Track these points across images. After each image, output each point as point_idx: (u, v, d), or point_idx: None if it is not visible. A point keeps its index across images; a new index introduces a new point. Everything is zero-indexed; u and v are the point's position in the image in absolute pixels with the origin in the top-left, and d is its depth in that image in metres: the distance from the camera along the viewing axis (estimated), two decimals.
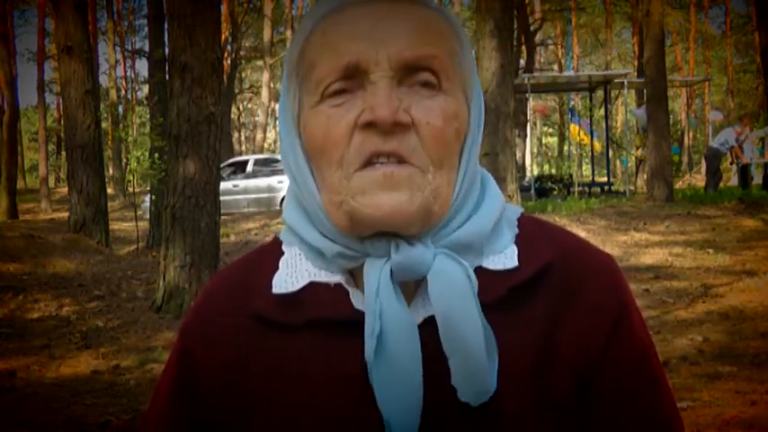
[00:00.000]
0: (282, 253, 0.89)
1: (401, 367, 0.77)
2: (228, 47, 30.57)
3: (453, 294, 0.77)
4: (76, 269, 9.36)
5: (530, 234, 0.87)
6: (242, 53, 33.37)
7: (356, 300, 0.82)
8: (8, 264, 9.14)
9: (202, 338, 0.87)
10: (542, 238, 0.87)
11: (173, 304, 7.39)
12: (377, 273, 0.79)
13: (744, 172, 17.42)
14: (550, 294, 0.83)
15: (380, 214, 0.77)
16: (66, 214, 13.19)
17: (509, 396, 0.79)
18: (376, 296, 0.78)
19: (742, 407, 4.25)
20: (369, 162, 0.77)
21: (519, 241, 0.86)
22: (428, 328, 0.79)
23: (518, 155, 17.82)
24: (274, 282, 0.85)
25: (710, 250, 9.63)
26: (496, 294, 0.81)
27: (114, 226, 14.59)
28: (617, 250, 9.82)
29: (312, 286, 0.84)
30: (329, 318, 0.82)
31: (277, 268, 0.87)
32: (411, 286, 0.82)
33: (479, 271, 0.82)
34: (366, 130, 0.77)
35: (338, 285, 0.83)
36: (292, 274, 0.85)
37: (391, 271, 0.79)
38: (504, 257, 0.84)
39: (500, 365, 0.79)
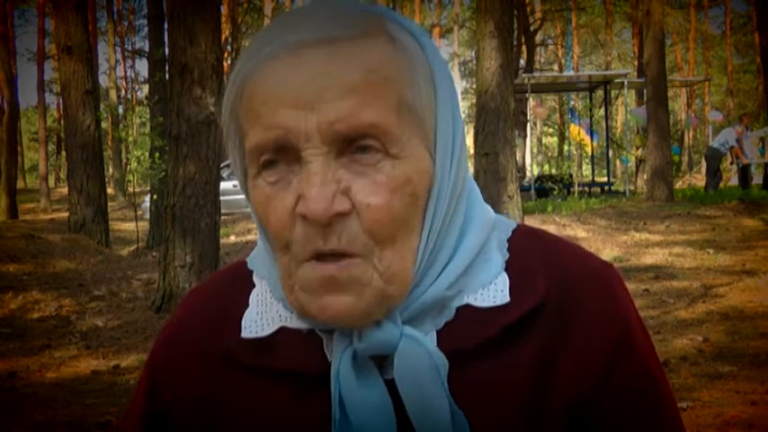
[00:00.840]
0: (254, 284, 0.84)
1: None
2: (228, 47, 30.57)
3: (418, 379, 0.72)
4: (76, 269, 9.36)
5: (523, 257, 0.80)
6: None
7: (329, 350, 0.77)
8: (8, 264, 9.14)
9: (171, 376, 0.84)
10: (536, 262, 0.80)
11: (173, 304, 7.38)
12: (338, 358, 0.74)
13: (744, 172, 17.43)
14: (545, 328, 0.77)
15: (327, 317, 0.71)
16: (66, 214, 13.20)
17: None
18: (336, 380, 0.73)
19: (742, 407, 4.25)
20: (313, 257, 0.71)
21: (511, 267, 0.79)
22: None
23: (518, 155, 17.82)
24: (244, 323, 0.80)
25: (711, 250, 9.63)
26: (483, 337, 0.76)
27: (114, 226, 14.60)
28: (617, 250, 9.82)
29: (283, 332, 0.79)
30: (299, 370, 0.77)
31: (248, 303, 0.82)
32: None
33: (466, 310, 0.77)
34: (305, 221, 0.70)
35: (311, 332, 0.78)
36: (263, 315, 0.80)
37: (356, 351, 0.74)
38: (495, 289, 0.77)
39: (490, 413, 0.75)
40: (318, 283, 0.71)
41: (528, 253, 0.81)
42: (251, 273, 0.84)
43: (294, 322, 0.79)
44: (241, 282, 0.84)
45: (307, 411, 0.77)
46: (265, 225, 0.74)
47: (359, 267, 0.70)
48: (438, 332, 0.76)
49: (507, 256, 0.80)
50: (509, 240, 0.82)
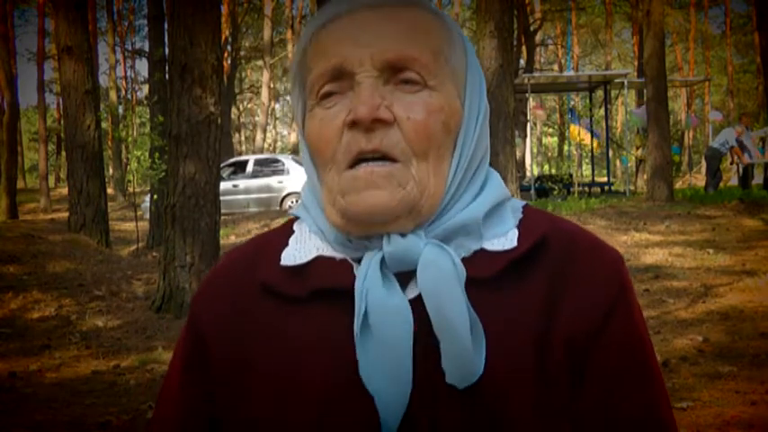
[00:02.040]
0: (293, 232, 0.94)
1: (388, 346, 0.80)
2: (228, 47, 30.56)
3: (439, 282, 0.81)
4: (76, 269, 9.35)
5: (532, 219, 0.90)
6: (242, 53, 33.35)
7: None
8: (8, 264, 9.14)
9: (210, 308, 0.93)
10: (543, 222, 0.90)
11: (173, 304, 7.38)
12: (368, 261, 0.84)
13: (745, 172, 17.39)
14: (550, 270, 0.86)
15: (364, 211, 0.82)
16: (66, 214, 13.19)
17: (507, 370, 0.82)
18: (363, 279, 0.83)
19: (742, 407, 4.25)
20: (356, 161, 0.82)
21: (521, 226, 0.89)
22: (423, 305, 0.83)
23: (518, 155, 17.81)
24: (283, 255, 0.90)
25: (710, 250, 9.62)
26: (495, 269, 0.85)
27: (114, 226, 14.59)
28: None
29: (319, 260, 0.88)
30: (331, 288, 0.86)
31: (287, 245, 0.92)
32: (413, 273, 0.85)
33: (481, 252, 0.86)
34: (352, 129, 0.82)
35: (343, 260, 0.88)
36: (301, 249, 0.90)
37: (385, 260, 0.84)
38: (506, 240, 0.87)
39: (499, 339, 0.82)
40: (360, 181, 0.82)
41: (537, 219, 0.91)
42: (290, 227, 0.95)
43: (329, 251, 0.89)
44: (282, 233, 0.95)
45: (339, 325, 0.84)
46: (317, 142, 0.85)
47: (399, 170, 0.82)
48: None
49: (520, 217, 0.91)
50: (522, 208, 0.93)
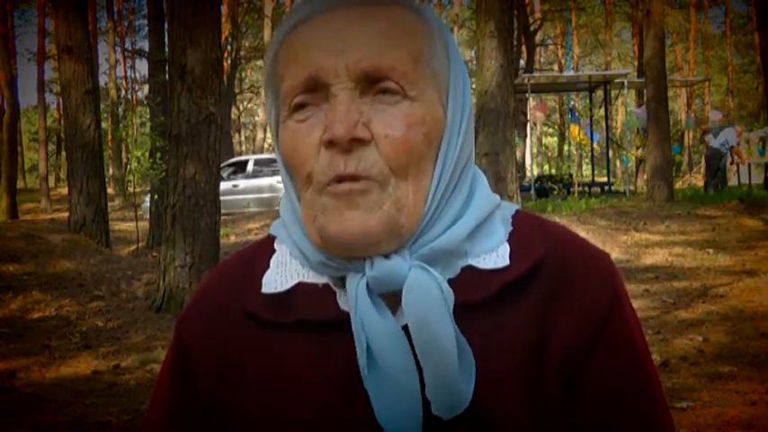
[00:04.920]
0: (275, 251, 0.90)
1: (394, 376, 0.77)
2: (228, 47, 30.55)
3: (425, 306, 0.76)
4: (76, 269, 9.35)
5: (524, 231, 0.86)
6: (242, 53, 33.33)
7: (343, 301, 0.83)
8: (8, 264, 9.14)
9: (196, 332, 0.90)
10: (536, 235, 0.86)
11: (173, 304, 7.38)
12: (354, 288, 0.79)
13: (716, 172, 17.31)
14: (542, 291, 0.82)
15: (342, 233, 0.78)
16: (66, 214, 13.19)
17: (504, 397, 0.79)
18: (356, 311, 0.78)
19: (742, 407, 4.25)
20: (334, 180, 0.78)
21: (513, 239, 0.85)
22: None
23: (518, 155, 17.81)
24: (264, 281, 0.87)
25: (711, 250, 9.63)
26: (486, 293, 0.81)
27: (114, 226, 14.59)
28: (617, 250, 9.82)
29: (301, 286, 0.85)
30: (316, 319, 0.83)
31: (269, 266, 0.88)
32: (398, 294, 0.81)
33: (469, 271, 0.82)
34: (329, 147, 0.78)
35: (326, 286, 0.84)
36: (282, 274, 0.87)
37: (368, 284, 0.79)
38: (496, 256, 0.83)
39: (493, 366, 0.79)
40: (339, 199, 0.78)
41: (529, 230, 0.87)
42: (273, 243, 0.91)
43: (310, 277, 0.85)
44: (264, 251, 0.91)
45: (326, 356, 0.82)
46: (292, 159, 0.81)
47: (374, 190, 0.78)
48: None
49: (510, 229, 0.86)
50: (512, 217, 0.88)
